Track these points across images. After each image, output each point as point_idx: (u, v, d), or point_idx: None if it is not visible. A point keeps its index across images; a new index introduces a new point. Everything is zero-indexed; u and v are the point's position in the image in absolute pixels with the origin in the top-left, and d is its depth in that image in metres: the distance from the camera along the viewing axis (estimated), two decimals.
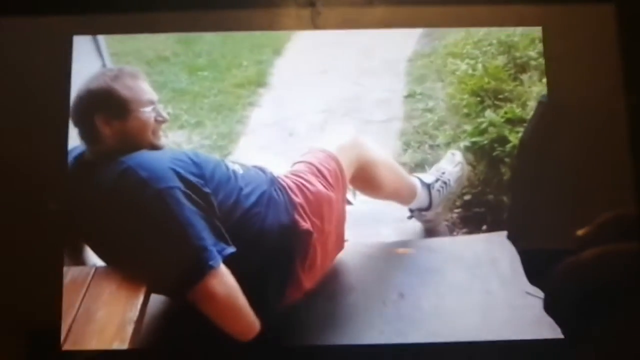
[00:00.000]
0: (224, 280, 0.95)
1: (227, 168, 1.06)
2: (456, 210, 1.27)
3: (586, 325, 0.83)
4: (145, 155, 1.02)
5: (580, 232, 0.80)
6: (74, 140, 1.01)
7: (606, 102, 0.94)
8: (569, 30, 0.98)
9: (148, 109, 1.05)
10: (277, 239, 1.05)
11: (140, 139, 1.04)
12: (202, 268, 0.94)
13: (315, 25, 0.99)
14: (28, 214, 0.94)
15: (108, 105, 1.03)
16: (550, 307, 0.86)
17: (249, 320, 0.96)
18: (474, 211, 1.23)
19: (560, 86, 0.97)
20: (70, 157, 1.01)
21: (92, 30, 1.06)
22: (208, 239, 0.96)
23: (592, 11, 0.96)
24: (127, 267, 0.99)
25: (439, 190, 1.25)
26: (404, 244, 1.21)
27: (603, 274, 0.79)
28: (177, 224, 0.95)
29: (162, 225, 0.96)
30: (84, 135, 1.03)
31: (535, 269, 0.90)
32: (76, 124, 1.01)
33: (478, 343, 0.93)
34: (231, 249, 0.97)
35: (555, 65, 0.98)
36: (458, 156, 1.27)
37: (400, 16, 1.00)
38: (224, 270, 0.96)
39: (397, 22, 1.02)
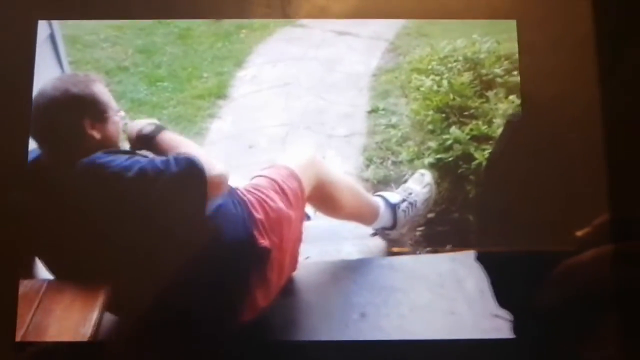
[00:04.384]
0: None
1: None
2: (419, 229, 1.25)
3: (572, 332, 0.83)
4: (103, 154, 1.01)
5: (579, 233, 0.81)
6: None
7: (581, 98, 0.93)
8: (544, 23, 0.97)
9: (118, 115, 1.06)
10: (233, 254, 1.03)
11: (114, 142, 1.06)
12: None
13: (285, 14, 0.97)
14: None
15: (94, 109, 1.03)
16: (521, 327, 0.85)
17: None
18: (437, 230, 1.22)
19: (534, 81, 0.96)
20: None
21: (57, 14, 1.03)
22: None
23: (567, 4, 0.96)
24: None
25: (404, 211, 1.23)
26: (365, 262, 1.19)
27: (600, 274, 0.79)
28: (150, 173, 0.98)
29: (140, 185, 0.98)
30: (67, 137, 1.02)
31: (505, 291, 0.89)
32: (58, 128, 1.01)
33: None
34: None
35: (529, 60, 0.97)
36: (427, 177, 1.25)
37: (371, 6, 0.99)
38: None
39: (367, 13, 1.01)
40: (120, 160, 0.99)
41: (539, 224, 0.90)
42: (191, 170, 0.98)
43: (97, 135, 1.02)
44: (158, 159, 1.00)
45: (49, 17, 1.01)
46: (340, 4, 0.98)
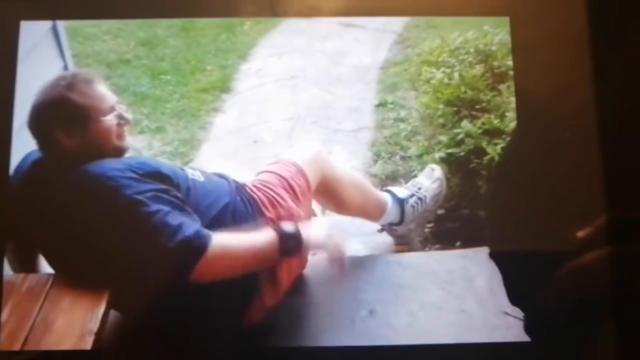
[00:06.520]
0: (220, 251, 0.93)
1: (187, 178, 1.01)
2: (428, 225, 1.23)
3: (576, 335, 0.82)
4: (106, 163, 0.97)
5: (581, 234, 0.79)
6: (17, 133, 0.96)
7: (575, 95, 0.92)
8: (537, 20, 0.95)
9: (109, 116, 0.99)
10: None
11: (103, 144, 0.99)
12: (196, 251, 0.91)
13: (274, 12, 0.95)
14: None
15: (66, 117, 0.97)
16: (534, 323, 0.84)
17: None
18: (447, 226, 1.20)
19: (528, 77, 0.95)
20: (27, 162, 0.98)
21: (40, 15, 1.00)
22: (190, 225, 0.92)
23: (561, 1, 0.95)
24: (87, 275, 0.93)
25: (413, 206, 1.21)
26: (373, 258, 1.17)
27: (603, 276, 0.78)
28: (150, 226, 0.91)
29: (137, 230, 0.92)
30: (43, 147, 0.98)
31: (518, 288, 0.87)
32: (35, 137, 0.97)
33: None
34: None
35: (523, 57, 0.96)
36: (438, 172, 1.23)
37: (362, 4, 0.98)
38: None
39: (357, 11, 0.99)
40: (140, 189, 0.94)
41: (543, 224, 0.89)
42: (185, 258, 0.92)
43: (73, 143, 0.97)
44: (176, 219, 0.92)
45: (32, 18, 0.98)
46: (330, 2, 0.96)
